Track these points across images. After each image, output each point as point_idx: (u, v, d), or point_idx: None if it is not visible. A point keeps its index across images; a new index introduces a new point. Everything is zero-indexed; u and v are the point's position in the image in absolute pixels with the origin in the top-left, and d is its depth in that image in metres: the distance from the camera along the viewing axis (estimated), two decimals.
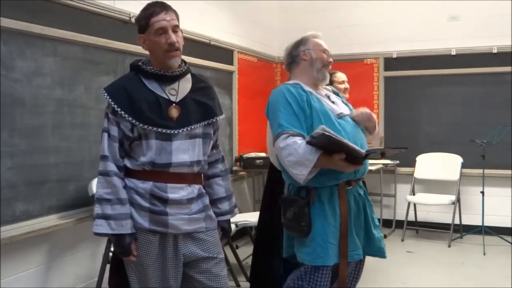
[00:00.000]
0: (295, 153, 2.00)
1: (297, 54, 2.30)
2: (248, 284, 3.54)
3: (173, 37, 1.92)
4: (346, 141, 1.97)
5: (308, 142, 2.01)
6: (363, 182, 2.37)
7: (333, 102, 2.27)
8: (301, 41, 2.32)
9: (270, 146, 2.94)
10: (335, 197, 2.15)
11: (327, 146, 1.99)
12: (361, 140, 2.22)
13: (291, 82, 2.26)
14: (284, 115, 2.10)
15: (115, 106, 1.90)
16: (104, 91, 1.95)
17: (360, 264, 2.32)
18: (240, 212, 4.43)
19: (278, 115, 2.11)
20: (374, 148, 2.10)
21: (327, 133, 1.91)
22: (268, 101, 2.24)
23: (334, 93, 2.44)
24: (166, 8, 1.94)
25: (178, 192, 1.96)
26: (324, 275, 2.13)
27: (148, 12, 1.93)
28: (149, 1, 1.98)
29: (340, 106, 2.28)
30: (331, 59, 2.32)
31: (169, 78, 1.98)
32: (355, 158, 2.03)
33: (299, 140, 2.03)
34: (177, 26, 1.96)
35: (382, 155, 2.22)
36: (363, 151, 2.03)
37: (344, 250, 2.13)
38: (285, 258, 2.33)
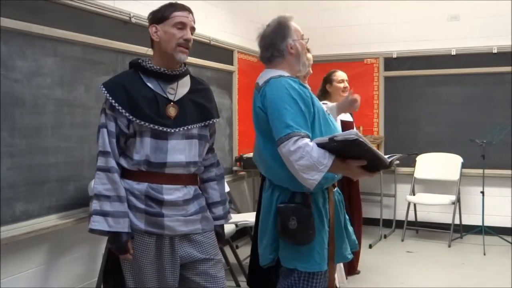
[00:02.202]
0: (308, 156, 1.82)
1: (283, 48, 2.10)
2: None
3: (190, 34, 1.96)
4: (375, 149, 1.86)
5: (322, 145, 1.86)
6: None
7: None
8: (286, 31, 2.12)
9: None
10: (326, 201, 2.09)
11: (349, 152, 1.86)
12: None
13: (286, 75, 2.06)
14: (291, 114, 1.91)
15: (113, 101, 1.90)
16: (102, 86, 1.95)
17: None
18: (240, 212, 4.44)
19: (283, 113, 1.92)
20: (395, 155, 2.00)
21: (361, 139, 1.77)
22: (266, 95, 2.00)
23: None
24: (190, 10, 2.00)
25: (173, 193, 1.96)
26: (320, 280, 2.06)
27: (173, 7, 1.97)
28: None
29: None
30: (306, 41, 2.14)
31: (168, 77, 1.98)
32: (375, 166, 1.91)
33: (310, 142, 1.87)
34: (194, 29, 2.00)
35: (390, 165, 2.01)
36: (388, 160, 1.90)
37: (332, 253, 2.10)
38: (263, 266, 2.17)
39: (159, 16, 1.96)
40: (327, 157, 1.84)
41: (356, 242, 2.30)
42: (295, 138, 1.86)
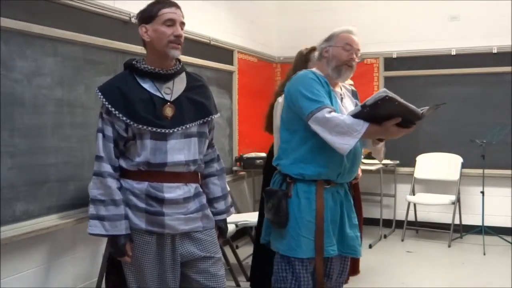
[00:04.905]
0: (343, 124, 2.02)
1: (320, 51, 2.31)
2: (248, 284, 3.54)
3: (180, 30, 1.94)
4: (406, 102, 1.98)
5: (355, 115, 2.02)
6: (350, 184, 2.39)
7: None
8: (328, 38, 2.30)
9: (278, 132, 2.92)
10: (312, 193, 2.19)
11: (382, 113, 1.98)
12: (358, 149, 2.27)
13: (318, 72, 2.26)
14: (321, 95, 2.13)
15: (109, 106, 1.89)
16: (98, 91, 1.93)
17: (346, 260, 2.35)
18: (240, 212, 4.44)
19: (310, 94, 2.12)
20: (424, 108, 2.07)
21: (391, 95, 1.90)
22: (291, 83, 2.24)
23: (353, 93, 2.45)
24: (177, 5, 1.97)
25: (174, 191, 1.95)
26: (303, 267, 2.18)
27: (160, 3, 1.94)
28: (148, 1, 1.98)
29: (348, 110, 2.28)
30: (353, 56, 2.25)
31: (163, 77, 1.97)
32: (410, 120, 2.05)
33: (341, 115, 2.07)
34: (184, 24, 1.98)
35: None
36: (419, 110, 2.03)
37: (320, 245, 2.16)
38: (263, 244, 2.43)
39: (147, 15, 1.94)
40: (361, 124, 2.02)
41: (357, 248, 2.32)
42: (329, 109, 2.07)
